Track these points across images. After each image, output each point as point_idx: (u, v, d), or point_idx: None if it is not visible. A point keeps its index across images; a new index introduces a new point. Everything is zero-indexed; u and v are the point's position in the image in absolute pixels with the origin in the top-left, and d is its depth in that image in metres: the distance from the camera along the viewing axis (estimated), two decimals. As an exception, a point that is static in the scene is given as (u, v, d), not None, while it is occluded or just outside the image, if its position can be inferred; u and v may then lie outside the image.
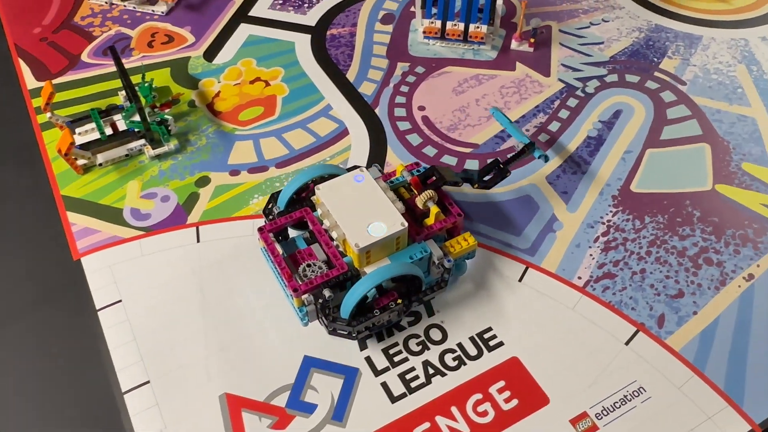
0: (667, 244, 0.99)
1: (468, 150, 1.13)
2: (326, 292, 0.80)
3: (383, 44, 1.33)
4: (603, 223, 1.02)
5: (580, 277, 0.95)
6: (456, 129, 1.16)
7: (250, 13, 1.40)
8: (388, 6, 1.42)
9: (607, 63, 1.29)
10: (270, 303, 0.91)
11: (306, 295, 0.80)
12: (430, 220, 0.87)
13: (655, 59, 1.29)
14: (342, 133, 1.16)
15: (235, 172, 1.09)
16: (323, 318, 0.81)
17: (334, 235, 0.83)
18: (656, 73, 1.26)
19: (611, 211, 1.04)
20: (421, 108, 1.20)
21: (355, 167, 0.91)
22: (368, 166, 1.05)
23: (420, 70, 1.27)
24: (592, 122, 1.17)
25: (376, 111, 1.19)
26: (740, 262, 0.97)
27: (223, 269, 0.96)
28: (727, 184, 1.08)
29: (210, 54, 1.30)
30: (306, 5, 1.42)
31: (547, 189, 1.07)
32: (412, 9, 1.40)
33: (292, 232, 0.92)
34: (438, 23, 1.28)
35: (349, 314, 0.80)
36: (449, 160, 1.11)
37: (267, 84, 1.24)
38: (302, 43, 1.33)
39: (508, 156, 1.04)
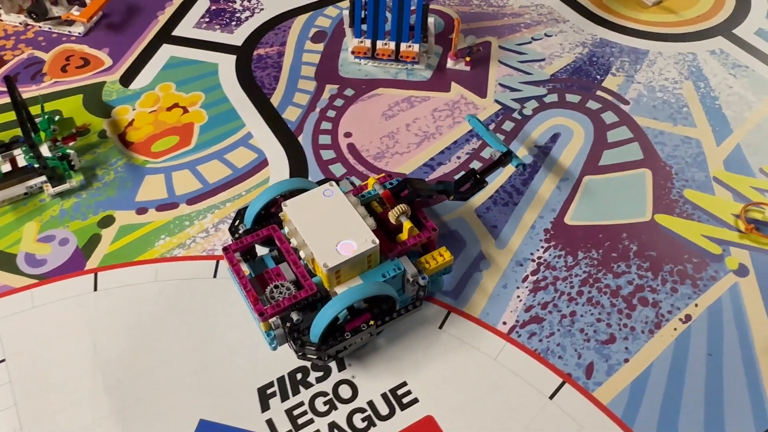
0: (600, 283, 0.93)
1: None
2: (294, 316, 0.76)
3: (312, 65, 1.25)
4: (533, 261, 0.95)
5: (505, 323, 0.89)
6: (383, 157, 1.09)
7: (174, 33, 1.32)
8: (320, 23, 1.35)
9: (547, 82, 1.22)
10: (167, 359, 0.84)
11: (273, 319, 0.76)
12: (403, 236, 0.83)
13: (599, 76, 1.23)
14: (261, 164, 1.08)
15: (142, 210, 1.01)
16: (292, 342, 0.77)
17: (302, 254, 0.79)
18: (598, 92, 1.20)
19: (543, 247, 0.97)
20: (348, 135, 1.13)
21: (325, 180, 0.87)
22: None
23: (349, 92, 1.20)
24: (527, 147, 1.10)
25: (300, 139, 1.12)
26: (677, 301, 0.91)
27: (118, 321, 0.88)
28: (667, 214, 1.01)
29: (127, 78, 1.22)
30: (234, 23, 1.34)
31: (476, 223, 1.00)
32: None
33: (264, 249, 0.87)
34: (368, 42, 1.21)
35: (318, 338, 0.75)
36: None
37: (185, 111, 1.17)
38: (226, 64, 1.26)
39: (486, 166, 0.98)
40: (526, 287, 0.92)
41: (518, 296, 0.91)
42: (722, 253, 0.96)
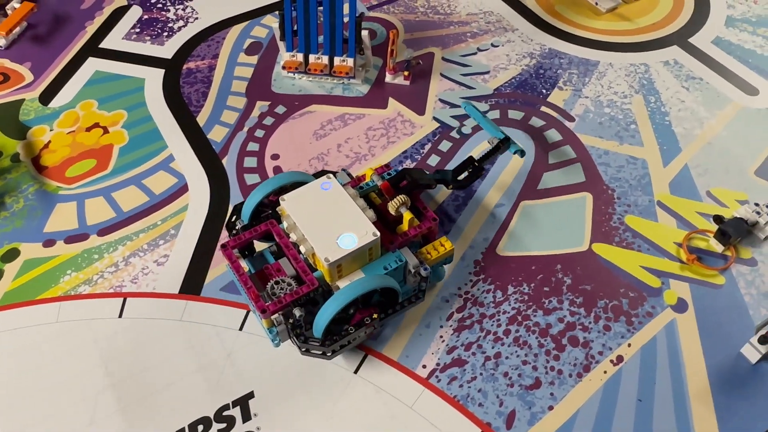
0: (529, 321, 0.87)
1: (320, 207, 1.00)
2: (296, 311, 0.75)
3: (244, 79, 1.19)
4: (460, 296, 0.90)
5: (425, 366, 0.83)
6: (310, 182, 1.03)
7: (102, 45, 1.26)
8: (256, 33, 1.28)
9: (490, 97, 1.16)
10: (61, 409, 0.79)
11: (275, 315, 0.75)
12: (403, 227, 0.82)
13: (545, 90, 1.16)
14: (180, 190, 1.02)
15: (50, 242, 0.96)
16: (294, 339, 0.76)
17: (302, 248, 0.77)
18: (543, 108, 1.14)
19: (471, 281, 0.91)
20: (275, 156, 1.07)
21: (322, 173, 0.87)
22: (207, 230, 0.95)
23: (281, 109, 1.14)
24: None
25: (224, 161, 1.06)
26: (609, 341, 0.85)
27: (12, 372, 0.82)
28: (605, 243, 0.95)
29: (47, 95, 1.16)
30: (165, 34, 1.28)
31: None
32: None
33: (263, 244, 0.86)
34: (300, 56, 1.14)
35: (321, 333, 0.75)
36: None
37: (105, 131, 1.10)
38: (154, 79, 1.19)
39: (484, 153, 0.96)
40: (451, 326, 0.87)
41: (441, 336, 0.86)
42: (661, 286, 0.91)
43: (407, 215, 0.81)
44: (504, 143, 0.98)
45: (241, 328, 0.86)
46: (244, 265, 0.80)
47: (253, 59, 1.23)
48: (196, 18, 1.31)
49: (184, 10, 1.33)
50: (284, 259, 0.80)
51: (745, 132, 1.09)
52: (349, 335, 0.76)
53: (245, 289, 0.77)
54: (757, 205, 0.96)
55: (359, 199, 0.81)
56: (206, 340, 0.85)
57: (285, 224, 0.79)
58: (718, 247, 0.94)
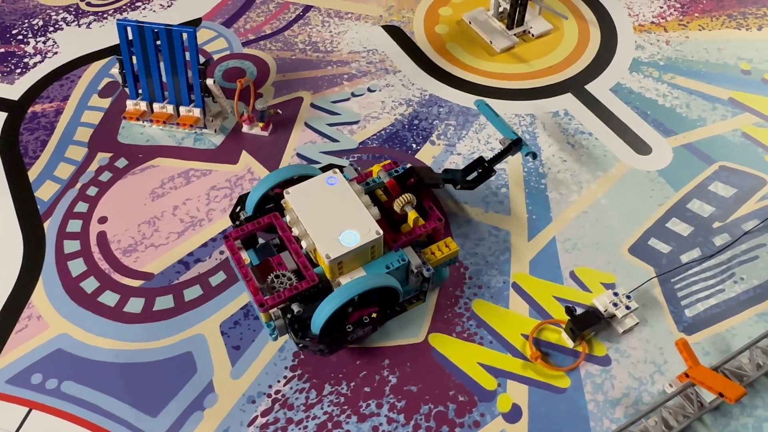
0: (340, 429, 0.78)
1: (138, 282, 0.90)
2: (295, 307, 0.75)
3: (91, 126, 1.09)
4: (269, 396, 0.80)
5: (211, 483, 0.74)
6: (134, 251, 0.93)
7: (-53, 83, 1.16)
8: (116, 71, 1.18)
9: (352, 152, 1.05)
10: None
11: (274, 310, 0.75)
12: (407, 226, 0.82)
13: (415, 145, 1.06)
14: (-11, 258, 0.93)
15: None
16: (292, 334, 0.75)
17: (303, 244, 0.77)
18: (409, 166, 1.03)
19: (285, 377, 0.82)
20: (103, 220, 0.97)
21: (330, 166, 0.86)
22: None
23: (122, 163, 1.04)
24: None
25: (45, 225, 0.96)
26: (424, 457, 0.75)
27: None
28: (445, 334, 0.85)
29: None
30: (18, 70, 1.18)
31: (217, 342, 0.85)
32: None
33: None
34: (143, 105, 1.04)
35: (319, 330, 0.75)
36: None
37: (-75, 186, 1.01)
38: (-6, 125, 1.10)
39: (495, 155, 0.95)
40: (250, 434, 0.77)
41: (237, 446, 0.76)
42: (497, 388, 0.81)
43: (412, 214, 0.81)
44: (516, 145, 0.96)
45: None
46: (245, 256, 0.80)
47: (106, 102, 1.13)
48: (56, 53, 1.21)
49: (45, 43, 1.23)
50: (286, 252, 0.80)
51: (627, 200, 0.98)
52: (347, 333, 0.76)
53: (245, 282, 0.76)
54: (616, 295, 0.85)
55: (364, 196, 0.80)
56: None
57: (288, 218, 0.79)
58: (569, 342, 0.84)
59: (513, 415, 0.79)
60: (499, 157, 0.95)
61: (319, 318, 0.74)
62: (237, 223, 0.84)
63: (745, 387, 0.78)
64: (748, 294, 0.89)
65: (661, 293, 0.89)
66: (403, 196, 0.81)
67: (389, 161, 0.89)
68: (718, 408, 0.79)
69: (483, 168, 0.94)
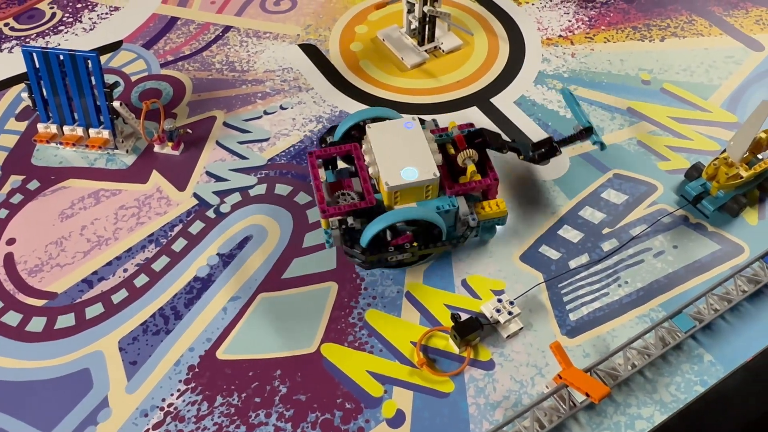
0: (228, 439, 0.80)
1: (41, 302, 0.92)
2: (350, 220, 0.87)
3: (5, 150, 1.11)
4: (161, 409, 0.83)
5: (98, 496, 0.76)
6: (40, 271, 0.96)
7: None
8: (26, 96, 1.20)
9: (261, 168, 1.08)
10: None
11: (332, 219, 0.86)
12: (465, 178, 0.90)
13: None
14: None
15: None
16: (343, 243, 0.87)
17: (370, 171, 0.89)
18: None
19: (179, 390, 0.84)
20: (11, 241, 0.99)
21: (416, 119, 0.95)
22: None
23: (34, 185, 1.06)
24: (207, 257, 0.97)
25: (-46, 248, 0.98)
26: (307, 463, 0.78)
27: None
28: (337, 343, 0.88)
29: None
30: (-62, 96, 1.20)
31: (114, 358, 0.87)
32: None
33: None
34: (54, 127, 1.07)
35: (366, 243, 0.85)
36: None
37: None
38: None
39: (564, 137, 1.00)
40: (140, 446, 0.80)
41: (126, 459, 0.79)
42: (383, 395, 0.84)
43: (471, 167, 0.89)
44: (587, 132, 1.00)
45: None
46: (322, 174, 0.90)
47: (22, 126, 1.15)
48: (-22, 77, 1.23)
49: (-33, 68, 1.25)
50: (356, 179, 0.91)
51: (522, 209, 1.02)
52: (388, 253, 0.86)
53: (316, 192, 0.87)
54: (500, 301, 0.89)
55: (433, 143, 0.90)
56: None
57: (364, 147, 0.91)
58: (456, 348, 0.87)
59: (396, 420, 0.82)
60: (569, 139, 1.00)
61: (368, 232, 0.84)
62: (323, 145, 0.96)
63: (619, 386, 0.81)
64: (631, 297, 0.92)
65: (548, 298, 0.92)
66: (466, 150, 0.90)
67: (466, 123, 0.98)
68: (593, 407, 0.82)
69: (550, 146, 0.98)
